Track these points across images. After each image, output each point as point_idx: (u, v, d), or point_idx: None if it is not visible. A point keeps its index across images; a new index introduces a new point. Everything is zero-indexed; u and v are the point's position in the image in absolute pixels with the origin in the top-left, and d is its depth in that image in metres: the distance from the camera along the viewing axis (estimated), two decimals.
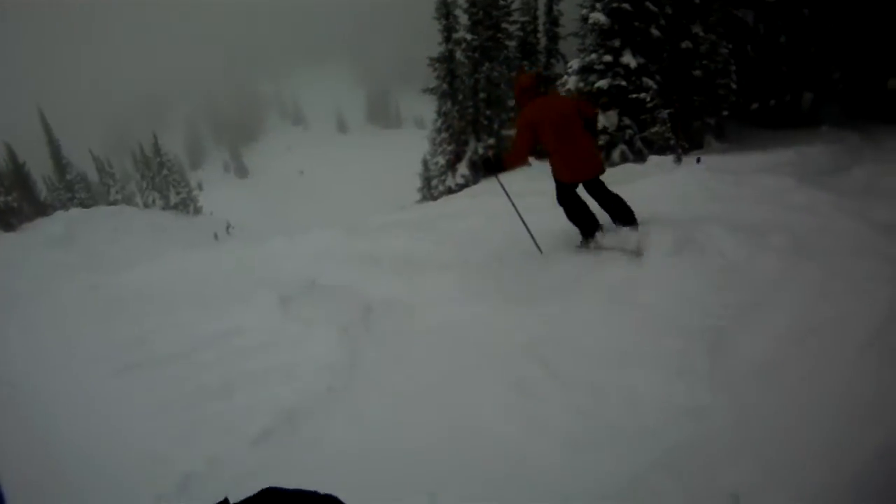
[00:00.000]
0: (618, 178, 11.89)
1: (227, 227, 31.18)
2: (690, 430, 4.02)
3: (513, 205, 8.51)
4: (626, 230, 7.28)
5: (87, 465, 5.02)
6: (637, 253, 6.71)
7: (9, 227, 34.71)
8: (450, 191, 25.48)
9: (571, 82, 17.03)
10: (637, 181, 11.09)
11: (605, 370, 4.88)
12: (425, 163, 34.29)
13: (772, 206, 7.77)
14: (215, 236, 28.77)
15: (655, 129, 14.92)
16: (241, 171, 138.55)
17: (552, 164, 7.59)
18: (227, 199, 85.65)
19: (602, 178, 7.61)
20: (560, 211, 7.85)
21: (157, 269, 11.62)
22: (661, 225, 7.30)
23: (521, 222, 8.31)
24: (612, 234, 7.41)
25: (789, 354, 4.44)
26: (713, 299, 5.44)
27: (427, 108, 29.48)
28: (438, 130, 28.28)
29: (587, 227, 7.63)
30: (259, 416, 5.23)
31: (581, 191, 7.68)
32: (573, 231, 7.94)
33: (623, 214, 7.47)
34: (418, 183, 35.59)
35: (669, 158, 12.45)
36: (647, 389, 4.52)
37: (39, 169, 59.60)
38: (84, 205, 48.72)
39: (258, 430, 5.08)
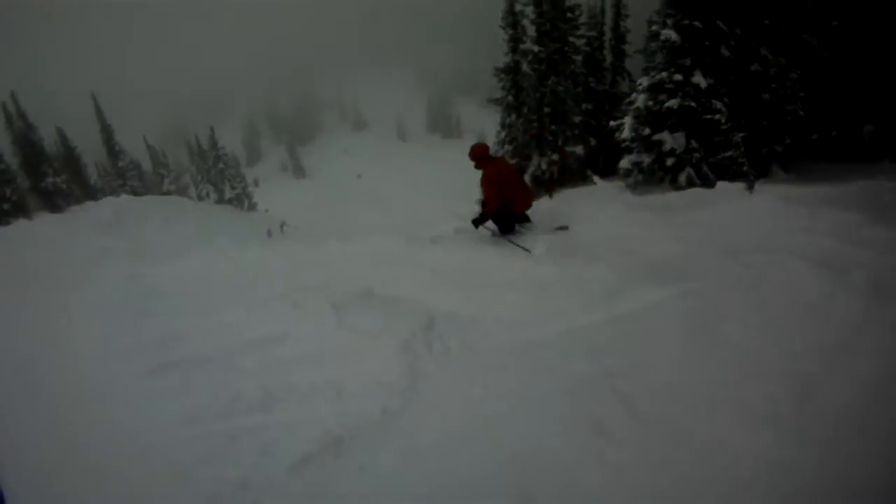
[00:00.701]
0: (687, 204, 11.70)
1: (282, 226, 31.16)
2: (781, 484, 3.85)
3: (500, 234, 11.15)
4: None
5: (103, 473, 4.89)
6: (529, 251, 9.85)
7: (56, 208, 35.75)
8: None
9: (640, 101, 16.82)
10: (709, 207, 10.88)
11: (689, 413, 4.66)
12: None
13: (844, 242, 7.66)
14: (269, 233, 28.71)
15: (729, 153, 14.70)
16: (299, 171, 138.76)
17: (505, 203, 10.71)
18: (283, 198, 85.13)
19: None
20: None
21: (203, 264, 11.52)
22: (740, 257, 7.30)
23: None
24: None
25: (879, 401, 4.25)
26: (797, 339, 5.22)
27: (488, 121, 29.21)
28: (502, 143, 28.04)
29: (508, 231, 11.03)
30: (300, 438, 4.98)
31: None
32: None
33: (506, 228, 11.04)
34: (479, 196, 35.18)
35: (740, 186, 12.18)
36: (734, 437, 4.30)
37: (92, 155, 60.55)
38: (136, 193, 49.02)
39: (298, 453, 4.78)
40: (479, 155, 10.96)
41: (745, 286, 6.18)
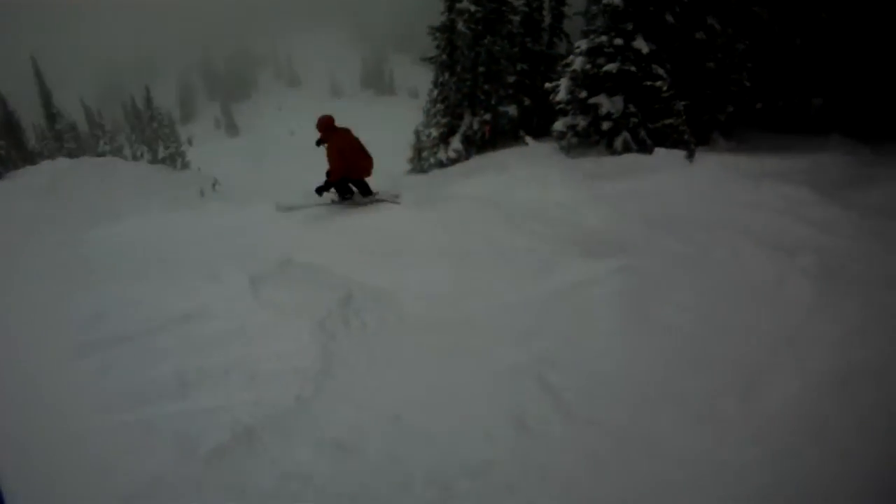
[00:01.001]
0: (624, 170, 11.32)
1: (214, 184, 30.42)
2: (723, 488, 3.52)
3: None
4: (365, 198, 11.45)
5: (32, 470, 4.32)
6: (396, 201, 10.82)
7: None
8: (441, 164, 24.83)
9: (578, 63, 16.32)
10: (647, 175, 10.39)
11: (623, 409, 4.27)
12: (417, 134, 33.21)
13: (794, 220, 7.27)
14: (201, 193, 28.20)
15: (670, 120, 14.34)
16: (232, 129, 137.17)
17: (344, 169, 11.06)
18: (217, 156, 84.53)
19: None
20: None
21: (133, 230, 11.04)
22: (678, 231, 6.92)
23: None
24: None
25: (831, 401, 3.93)
26: (742, 326, 4.86)
27: (422, 79, 28.75)
28: (434, 101, 27.43)
29: (346, 194, 11.49)
30: (213, 428, 4.62)
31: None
32: None
33: (365, 191, 11.52)
34: (409, 153, 34.88)
35: (680, 153, 11.78)
36: (672, 438, 3.92)
37: (30, 117, 58.29)
38: (72, 155, 46.60)
39: (211, 445, 4.44)
40: (326, 126, 11.27)
41: (687, 265, 5.83)
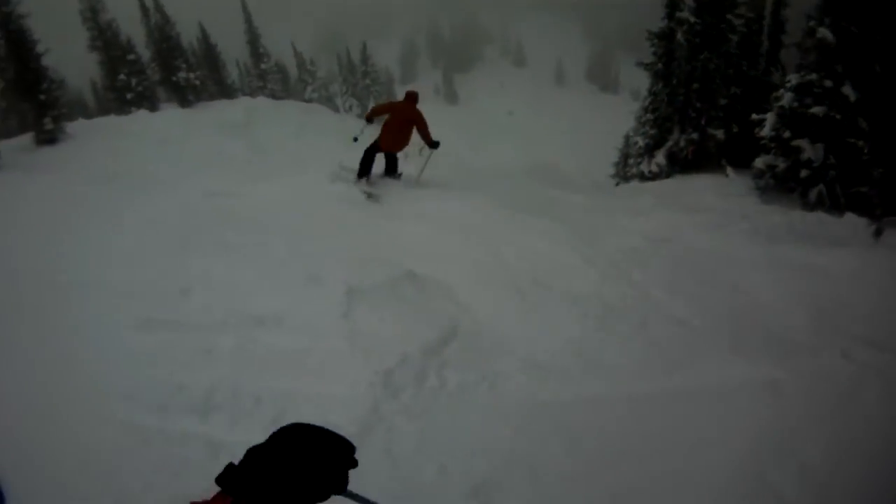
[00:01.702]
0: (808, 233, 10.44)
1: (420, 150, 30.70)
2: None
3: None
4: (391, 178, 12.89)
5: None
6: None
7: (186, 103, 34.70)
8: (642, 176, 24.11)
9: (786, 99, 15.27)
10: (828, 249, 9.04)
11: None
12: (627, 139, 32.64)
13: None
14: (406, 155, 28.56)
15: (864, 189, 13.22)
16: (451, 98, 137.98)
17: (380, 135, 12.30)
18: (432, 122, 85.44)
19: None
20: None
21: (288, 193, 11.19)
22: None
23: None
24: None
25: None
26: None
27: (645, 83, 27.86)
28: (645, 109, 26.65)
29: (366, 172, 12.48)
30: (198, 472, 3.89)
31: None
32: None
33: (389, 169, 12.99)
34: (615, 157, 34.20)
35: (867, 226, 10.65)
36: None
37: (234, 53, 60.87)
38: (275, 96, 47.13)
39: (179, 492, 3.88)
40: (408, 94, 12.82)
41: (833, 398, 5.07)
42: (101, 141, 18.09)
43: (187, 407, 5.04)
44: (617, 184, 27.35)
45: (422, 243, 8.94)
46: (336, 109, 55.56)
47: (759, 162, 15.93)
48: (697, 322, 6.93)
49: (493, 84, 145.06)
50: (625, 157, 31.78)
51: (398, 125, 12.27)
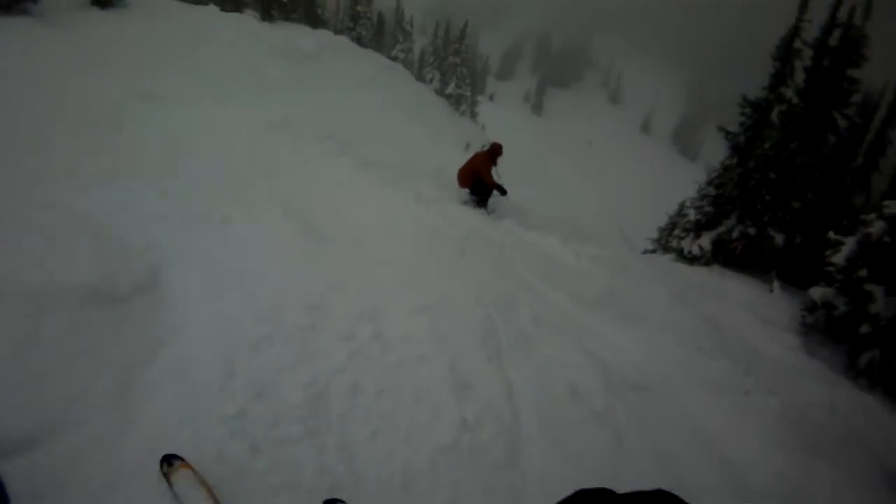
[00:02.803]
0: (851, 431, 7.68)
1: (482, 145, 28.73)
2: None
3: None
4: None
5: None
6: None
7: (268, 17, 34.63)
8: (680, 254, 21.44)
9: (876, 228, 11.90)
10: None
11: None
12: (681, 206, 29.51)
13: None
14: (466, 146, 26.44)
15: None
16: (538, 108, 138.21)
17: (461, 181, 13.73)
18: (510, 128, 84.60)
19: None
20: None
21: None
22: None
23: None
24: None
25: None
26: None
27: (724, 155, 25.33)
28: (709, 182, 23.55)
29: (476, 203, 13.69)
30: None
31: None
32: None
33: (479, 202, 13.66)
34: (663, 222, 31.03)
35: None
36: None
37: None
38: (360, 42, 47.64)
39: None
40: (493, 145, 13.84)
41: None
42: (147, 21, 18.08)
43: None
44: (644, 251, 24.40)
45: None
46: (418, 78, 55.92)
47: (816, 293, 12.90)
48: None
49: (581, 110, 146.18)
50: (672, 225, 29.00)
51: (470, 169, 13.64)
